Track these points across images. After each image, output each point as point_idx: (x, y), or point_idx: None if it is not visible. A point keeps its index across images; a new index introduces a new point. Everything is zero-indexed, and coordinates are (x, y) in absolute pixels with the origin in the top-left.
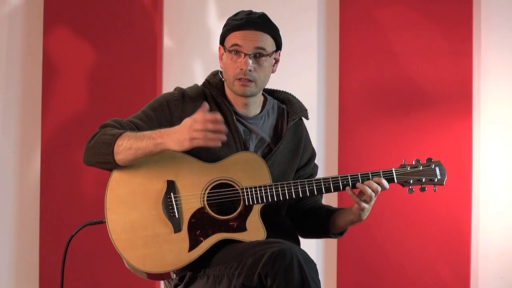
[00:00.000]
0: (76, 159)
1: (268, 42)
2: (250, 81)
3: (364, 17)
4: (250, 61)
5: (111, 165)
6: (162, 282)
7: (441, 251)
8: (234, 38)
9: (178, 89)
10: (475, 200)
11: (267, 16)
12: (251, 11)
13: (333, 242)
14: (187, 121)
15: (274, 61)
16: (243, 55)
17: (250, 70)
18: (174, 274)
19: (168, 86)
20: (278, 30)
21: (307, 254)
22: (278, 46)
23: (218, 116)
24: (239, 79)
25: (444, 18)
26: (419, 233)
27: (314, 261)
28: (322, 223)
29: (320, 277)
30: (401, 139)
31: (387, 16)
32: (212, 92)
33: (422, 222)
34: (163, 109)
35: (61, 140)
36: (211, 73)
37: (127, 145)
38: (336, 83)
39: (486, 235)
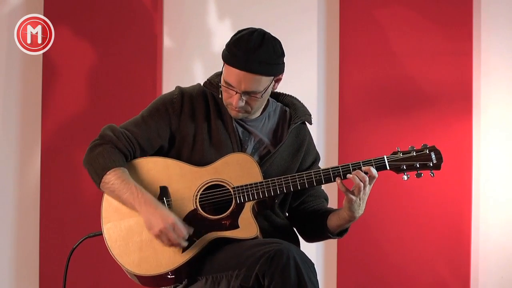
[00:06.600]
0: (76, 159)
1: (262, 82)
2: (240, 110)
3: (364, 17)
4: (240, 101)
5: (96, 185)
6: None
7: (441, 250)
8: (228, 75)
9: (178, 89)
10: (475, 200)
11: (269, 48)
12: (252, 41)
13: (333, 242)
14: (168, 219)
15: (273, 83)
16: (234, 92)
17: (241, 106)
18: (170, 275)
19: (168, 86)
20: (278, 62)
21: (304, 254)
22: (278, 74)
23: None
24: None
25: (444, 18)
26: (419, 232)
27: (314, 261)
28: (320, 223)
29: (320, 277)
30: (401, 139)
31: (387, 16)
32: (213, 92)
33: (422, 221)
34: (161, 114)
35: (61, 140)
36: (214, 73)
37: (111, 188)
38: (336, 83)
39: (486, 235)
